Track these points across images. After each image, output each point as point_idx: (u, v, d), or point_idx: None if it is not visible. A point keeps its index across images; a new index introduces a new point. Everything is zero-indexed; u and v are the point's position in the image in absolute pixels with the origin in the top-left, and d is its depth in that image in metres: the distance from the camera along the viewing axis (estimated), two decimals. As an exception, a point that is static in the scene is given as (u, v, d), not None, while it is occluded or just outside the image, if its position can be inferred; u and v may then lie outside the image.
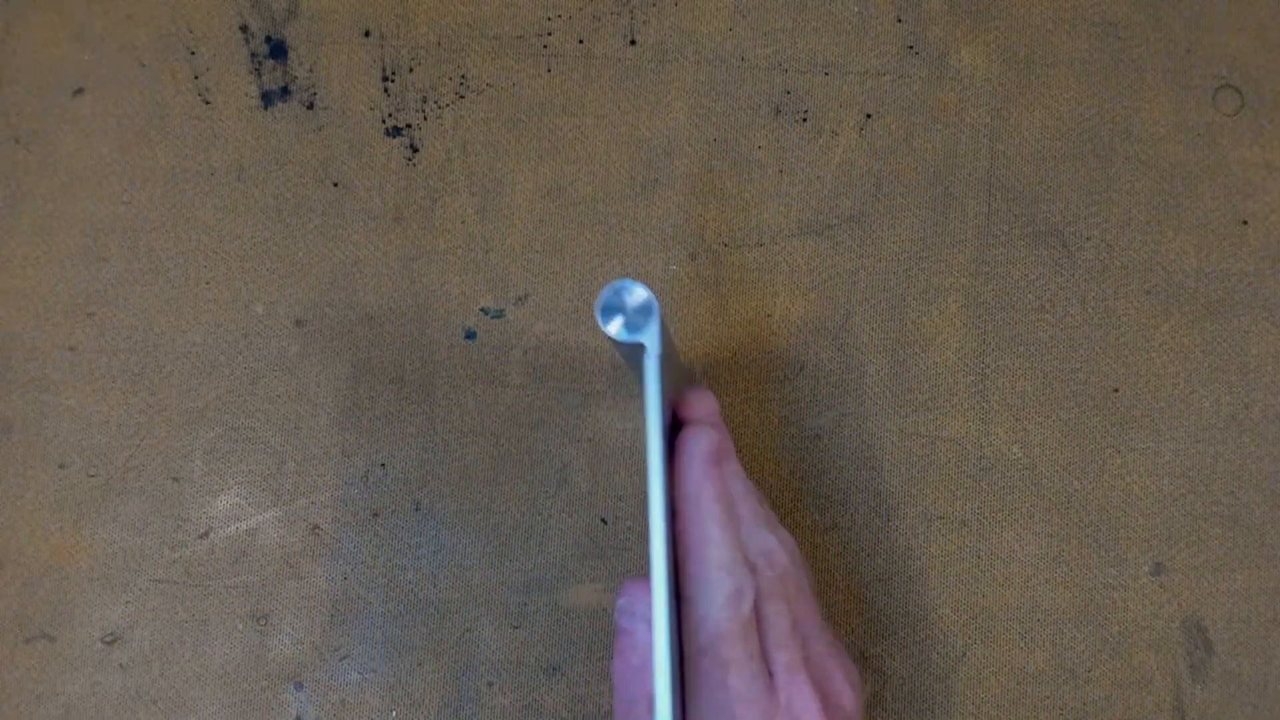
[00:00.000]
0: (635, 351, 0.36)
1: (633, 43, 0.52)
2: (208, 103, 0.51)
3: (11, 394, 0.50)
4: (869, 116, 0.52)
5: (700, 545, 0.37)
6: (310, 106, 0.51)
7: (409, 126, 0.51)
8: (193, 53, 0.51)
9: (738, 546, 0.37)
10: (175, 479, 0.50)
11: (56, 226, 0.50)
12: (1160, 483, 0.51)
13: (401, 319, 0.50)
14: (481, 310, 0.51)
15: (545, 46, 0.52)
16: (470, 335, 0.50)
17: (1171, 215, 0.52)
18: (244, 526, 0.49)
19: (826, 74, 0.52)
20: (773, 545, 0.37)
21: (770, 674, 0.37)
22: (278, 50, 0.51)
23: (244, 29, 0.51)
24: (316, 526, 0.50)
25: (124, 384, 0.50)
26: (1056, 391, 0.51)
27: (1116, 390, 0.51)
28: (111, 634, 0.49)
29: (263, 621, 0.49)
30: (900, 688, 0.49)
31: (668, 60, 0.52)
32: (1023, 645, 0.50)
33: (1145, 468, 0.51)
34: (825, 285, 0.51)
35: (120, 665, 0.49)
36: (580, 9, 0.52)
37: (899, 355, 0.51)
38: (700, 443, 0.38)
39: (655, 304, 0.35)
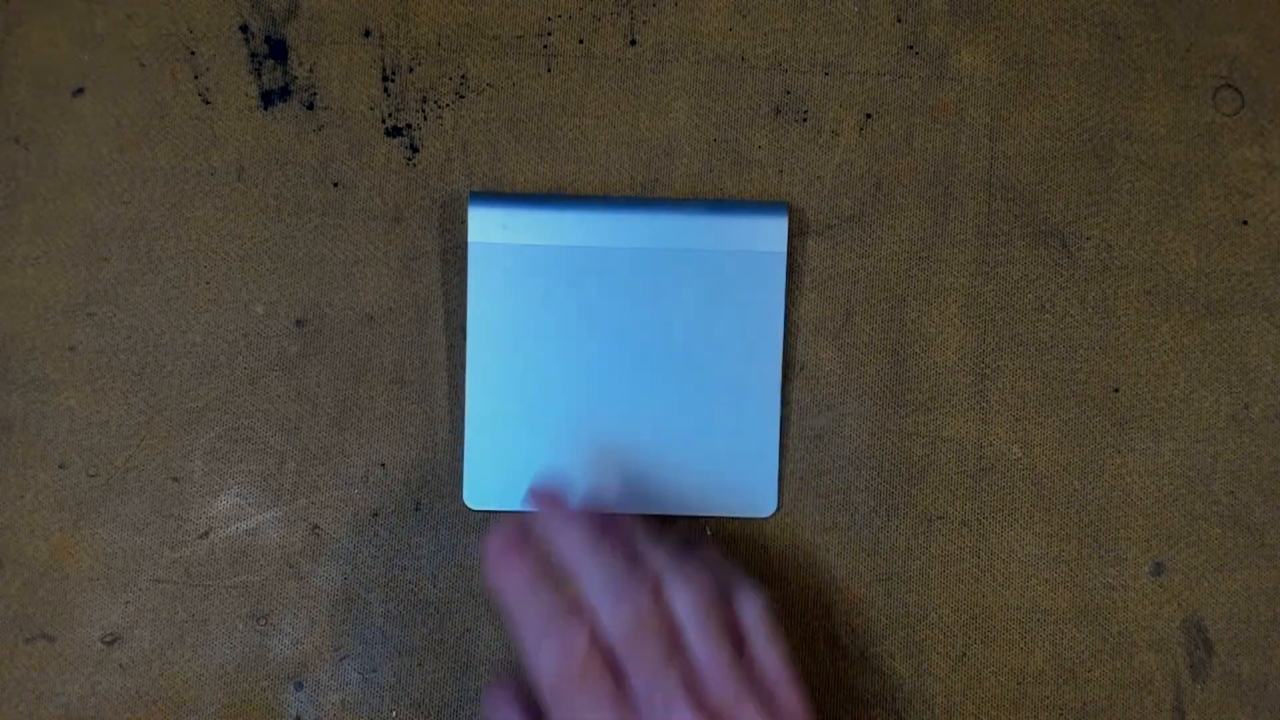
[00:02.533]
0: None
1: (633, 43, 0.52)
2: (208, 103, 0.51)
3: (11, 394, 0.50)
4: (869, 116, 0.52)
5: (513, 623, 0.40)
6: (310, 106, 0.51)
7: (409, 126, 0.51)
8: (193, 53, 0.51)
9: (552, 611, 0.38)
10: (175, 479, 0.50)
11: (56, 226, 0.50)
12: (1160, 483, 0.51)
13: (401, 319, 0.50)
14: (481, 310, 0.50)
15: (545, 46, 0.52)
16: (470, 335, 0.50)
17: (1171, 215, 0.52)
18: (244, 526, 0.50)
19: (826, 74, 0.52)
20: (619, 591, 0.38)
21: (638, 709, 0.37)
22: (278, 50, 0.51)
23: (244, 29, 0.51)
24: (316, 526, 0.50)
25: (124, 384, 0.50)
26: (1056, 391, 0.51)
27: (1116, 390, 0.51)
28: (111, 634, 0.49)
29: (263, 621, 0.49)
30: (900, 688, 0.50)
31: (668, 60, 0.52)
32: (1023, 645, 0.50)
33: (1145, 468, 0.51)
34: (825, 285, 0.51)
35: (120, 665, 0.49)
36: (580, 9, 0.52)
37: (899, 355, 0.51)
38: (490, 540, 0.42)
39: None
